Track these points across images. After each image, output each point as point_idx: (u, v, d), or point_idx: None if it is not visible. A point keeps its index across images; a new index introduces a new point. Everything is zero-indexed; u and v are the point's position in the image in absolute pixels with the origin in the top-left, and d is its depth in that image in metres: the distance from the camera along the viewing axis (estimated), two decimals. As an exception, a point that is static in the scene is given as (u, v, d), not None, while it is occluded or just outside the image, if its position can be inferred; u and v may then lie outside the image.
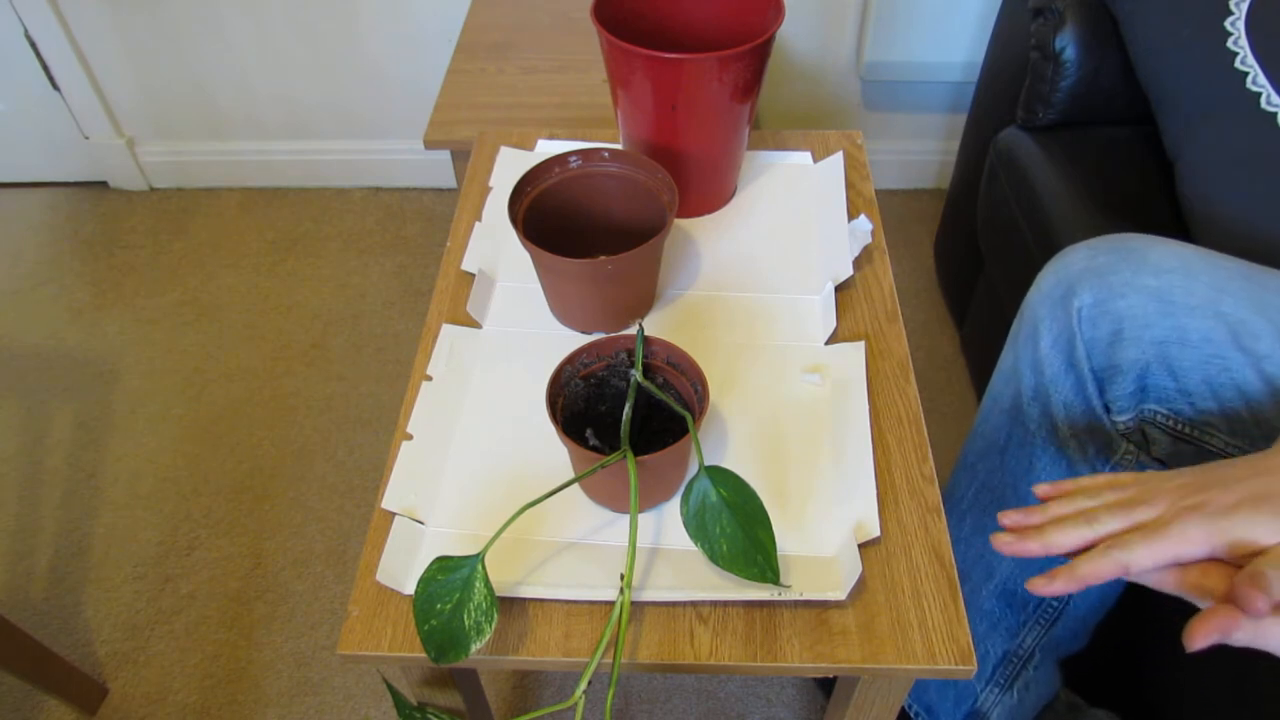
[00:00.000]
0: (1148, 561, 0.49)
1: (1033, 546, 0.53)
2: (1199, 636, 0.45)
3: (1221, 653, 0.51)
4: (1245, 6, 0.97)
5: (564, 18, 1.42)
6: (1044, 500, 0.56)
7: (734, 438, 0.70)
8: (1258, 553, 0.48)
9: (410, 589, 0.61)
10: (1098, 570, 0.50)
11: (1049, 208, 1.08)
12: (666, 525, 0.65)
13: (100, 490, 1.36)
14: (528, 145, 0.95)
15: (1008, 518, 0.56)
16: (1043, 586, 0.52)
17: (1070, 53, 1.10)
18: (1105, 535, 0.52)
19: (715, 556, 0.59)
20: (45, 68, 1.68)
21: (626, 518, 0.65)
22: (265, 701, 1.14)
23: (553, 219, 0.77)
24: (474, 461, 0.69)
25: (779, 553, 0.61)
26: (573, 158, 0.77)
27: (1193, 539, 0.49)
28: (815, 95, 1.69)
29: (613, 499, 0.65)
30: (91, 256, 1.73)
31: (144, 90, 1.73)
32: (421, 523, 0.65)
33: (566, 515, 0.65)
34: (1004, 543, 0.54)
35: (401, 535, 0.64)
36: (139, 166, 1.83)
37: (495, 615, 0.56)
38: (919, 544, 0.64)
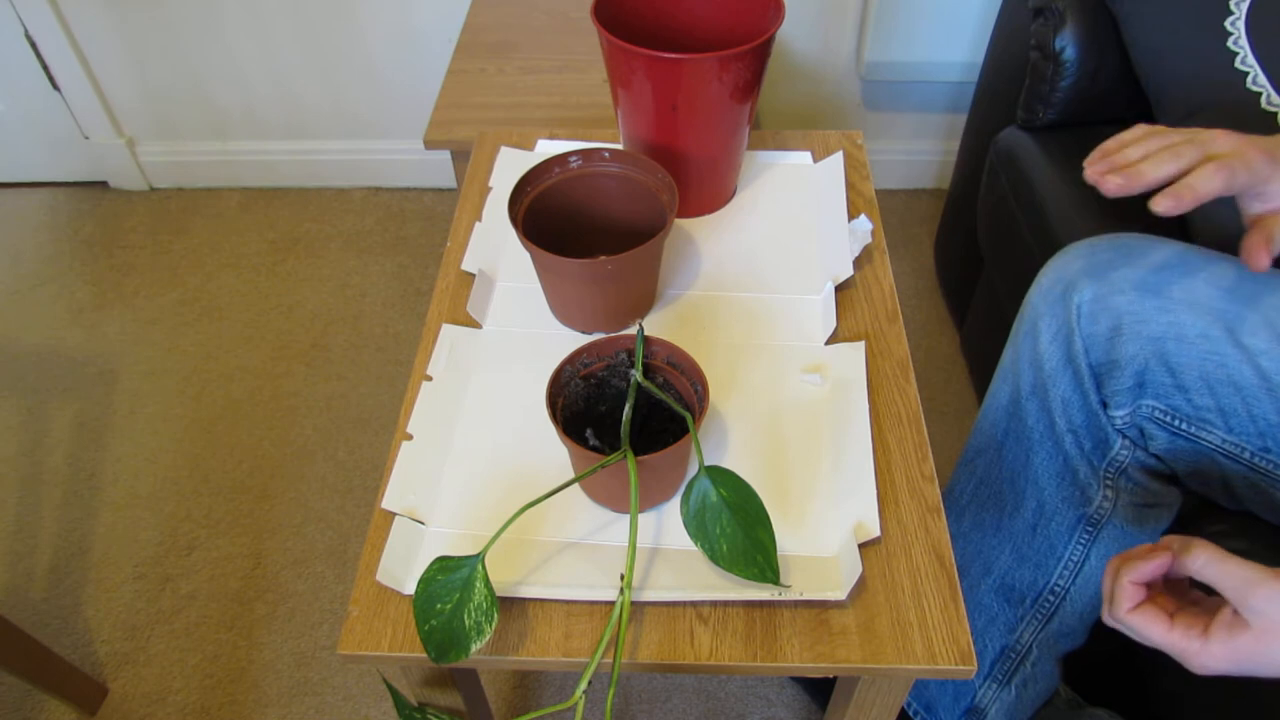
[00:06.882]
0: (1243, 175, 0.60)
1: (1134, 182, 0.62)
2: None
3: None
4: (1245, 6, 0.97)
5: (564, 18, 1.42)
6: (1096, 170, 0.65)
7: (734, 438, 0.70)
8: None
9: (410, 589, 0.61)
10: (1208, 184, 0.60)
11: (1049, 208, 1.08)
12: (666, 525, 0.65)
13: (100, 490, 1.36)
14: (528, 145, 0.95)
15: (1094, 165, 0.65)
16: (1163, 203, 0.60)
17: (1070, 53, 1.10)
18: (1189, 166, 0.61)
19: (715, 556, 0.59)
20: (45, 68, 1.68)
21: (626, 518, 0.65)
22: (265, 701, 1.14)
23: (553, 219, 0.77)
24: (474, 461, 0.69)
25: (779, 553, 0.61)
26: (573, 158, 0.77)
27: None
28: (815, 95, 1.69)
29: (613, 499, 0.65)
30: (91, 256, 1.73)
31: (144, 90, 1.73)
32: (422, 523, 0.65)
33: (566, 515, 0.65)
34: (1106, 179, 0.63)
35: (401, 535, 0.64)
36: (139, 166, 1.83)
37: (495, 615, 0.56)
38: (919, 544, 0.64)
